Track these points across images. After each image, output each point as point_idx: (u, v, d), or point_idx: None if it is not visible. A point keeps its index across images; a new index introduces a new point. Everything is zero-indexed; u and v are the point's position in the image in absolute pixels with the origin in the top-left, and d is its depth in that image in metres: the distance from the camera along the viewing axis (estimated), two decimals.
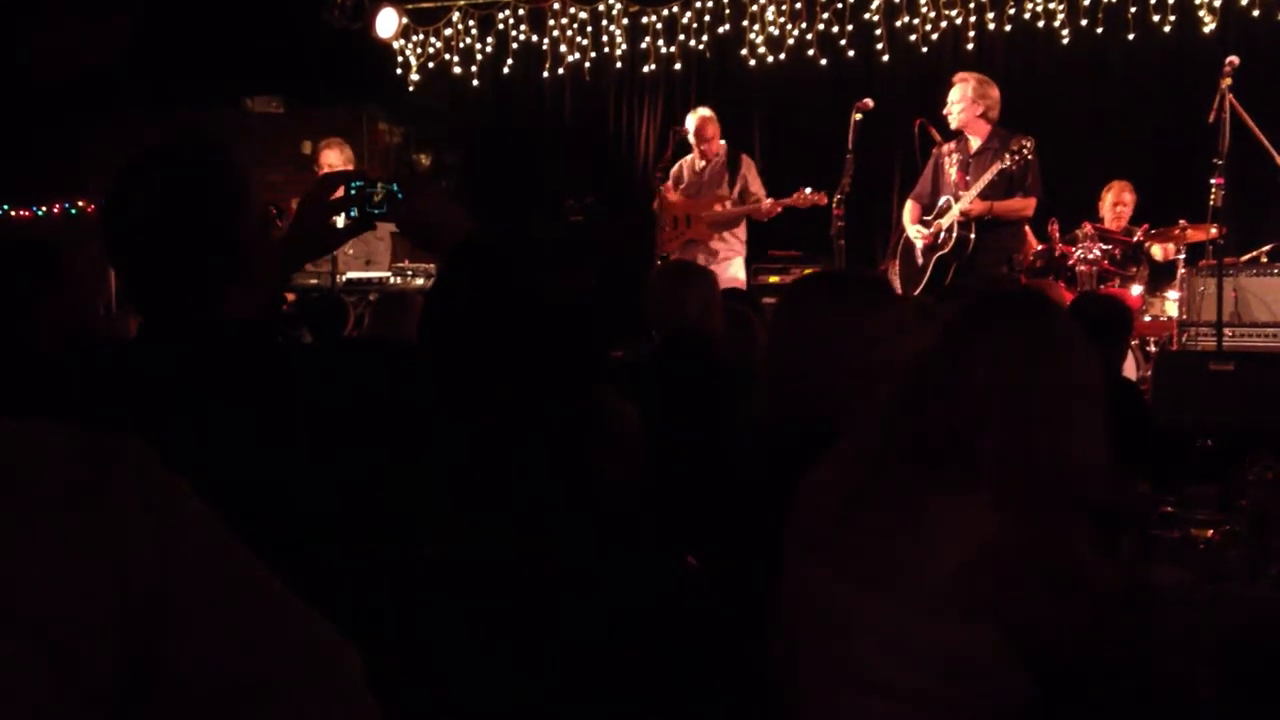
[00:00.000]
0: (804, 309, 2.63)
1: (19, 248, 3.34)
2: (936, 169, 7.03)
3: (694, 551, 2.74)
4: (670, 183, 7.97)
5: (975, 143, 6.86)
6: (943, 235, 6.79)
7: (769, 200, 7.67)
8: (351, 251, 7.83)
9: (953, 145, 6.99)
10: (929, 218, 6.97)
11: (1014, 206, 6.72)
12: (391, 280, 7.46)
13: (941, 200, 6.89)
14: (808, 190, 7.52)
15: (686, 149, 8.08)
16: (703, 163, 7.96)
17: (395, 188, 2.06)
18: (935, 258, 6.81)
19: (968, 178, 6.79)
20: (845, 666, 1.93)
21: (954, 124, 6.87)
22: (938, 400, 1.92)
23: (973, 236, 6.68)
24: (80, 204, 9.94)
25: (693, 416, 3.24)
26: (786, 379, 2.57)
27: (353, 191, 2.07)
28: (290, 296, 6.80)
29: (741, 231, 7.98)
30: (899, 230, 7.35)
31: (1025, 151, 6.52)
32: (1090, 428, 1.92)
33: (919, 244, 6.94)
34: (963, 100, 6.80)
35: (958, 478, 1.86)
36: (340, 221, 2.14)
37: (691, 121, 7.93)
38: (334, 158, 7.78)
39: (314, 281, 7.33)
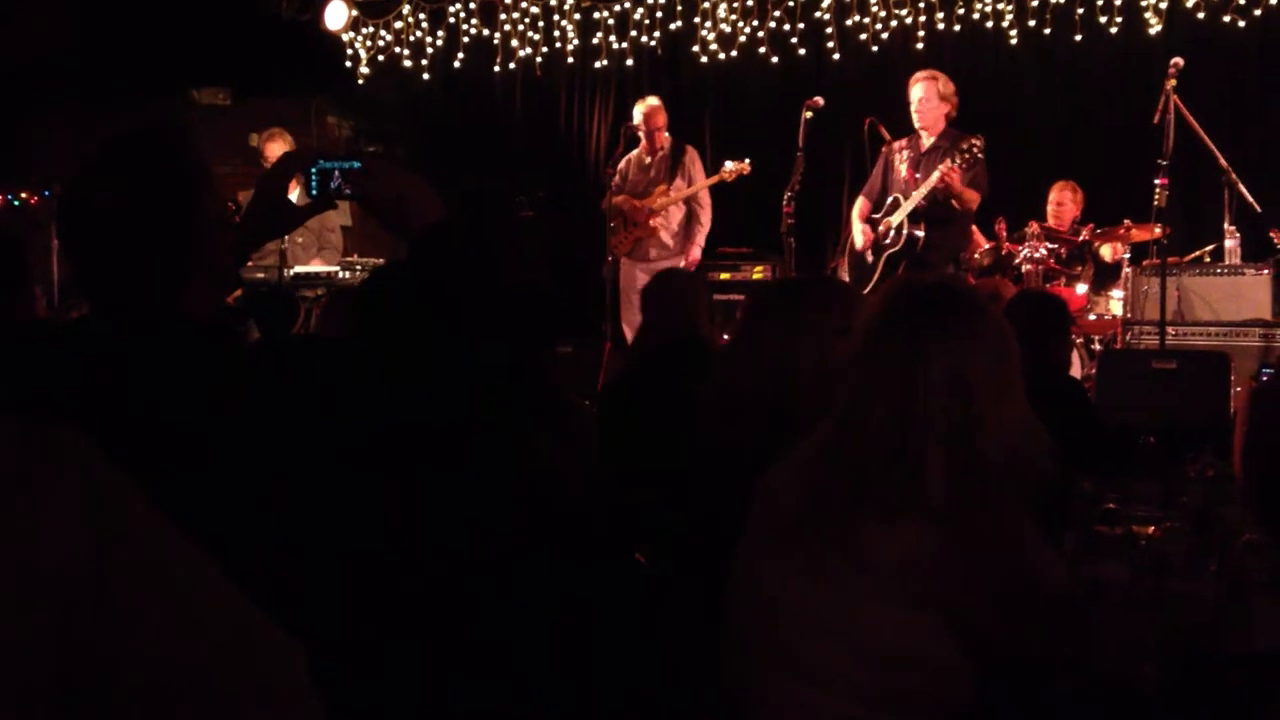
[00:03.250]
0: (767, 317, 2.67)
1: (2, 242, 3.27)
2: (887, 167, 7.06)
3: (650, 548, 2.74)
4: (615, 180, 7.96)
5: (927, 141, 6.89)
6: (892, 233, 6.82)
7: (706, 181, 7.69)
8: (301, 241, 7.76)
9: (904, 142, 7.02)
10: (878, 215, 7.00)
11: (969, 195, 6.74)
12: (341, 275, 7.40)
13: (890, 198, 6.93)
14: (728, 164, 7.57)
15: (636, 144, 8.07)
16: (649, 158, 7.96)
17: (358, 165, 2.03)
18: (885, 255, 6.85)
19: (918, 175, 6.83)
20: (794, 660, 1.95)
21: (919, 123, 6.88)
22: (881, 401, 1.94)
23: (921, 235, 6.72)
24: (23, 195, 9.80)
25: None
26: (748, 382, 2.59)
27: (314, 170, 2.04)
28: (237, 290, 6.73)
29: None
30: (849, 228, 7.38)
31: (975, 150, 6.55)
32: (1021, 409, 1.97)
33: (859, 241, 6.97)
34: (932, 98, 6.83)
35: (907, 475, 1.89)
36: (299, 200, 2.12)
37: (640, 110, 7.93)
38: (278, 150, 7.71)
39: (261, 275, 7.26)
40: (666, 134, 7.98)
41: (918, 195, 6.67)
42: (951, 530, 1.86)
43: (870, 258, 6.97)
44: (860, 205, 7.16)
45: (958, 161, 6.54)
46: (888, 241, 6.84)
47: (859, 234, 6.99)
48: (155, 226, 1.75)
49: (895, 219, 6.81)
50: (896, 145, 7.04)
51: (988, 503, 1.89)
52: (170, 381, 1.76)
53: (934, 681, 1.90)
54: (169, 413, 1.73)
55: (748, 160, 7.57)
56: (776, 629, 1.98)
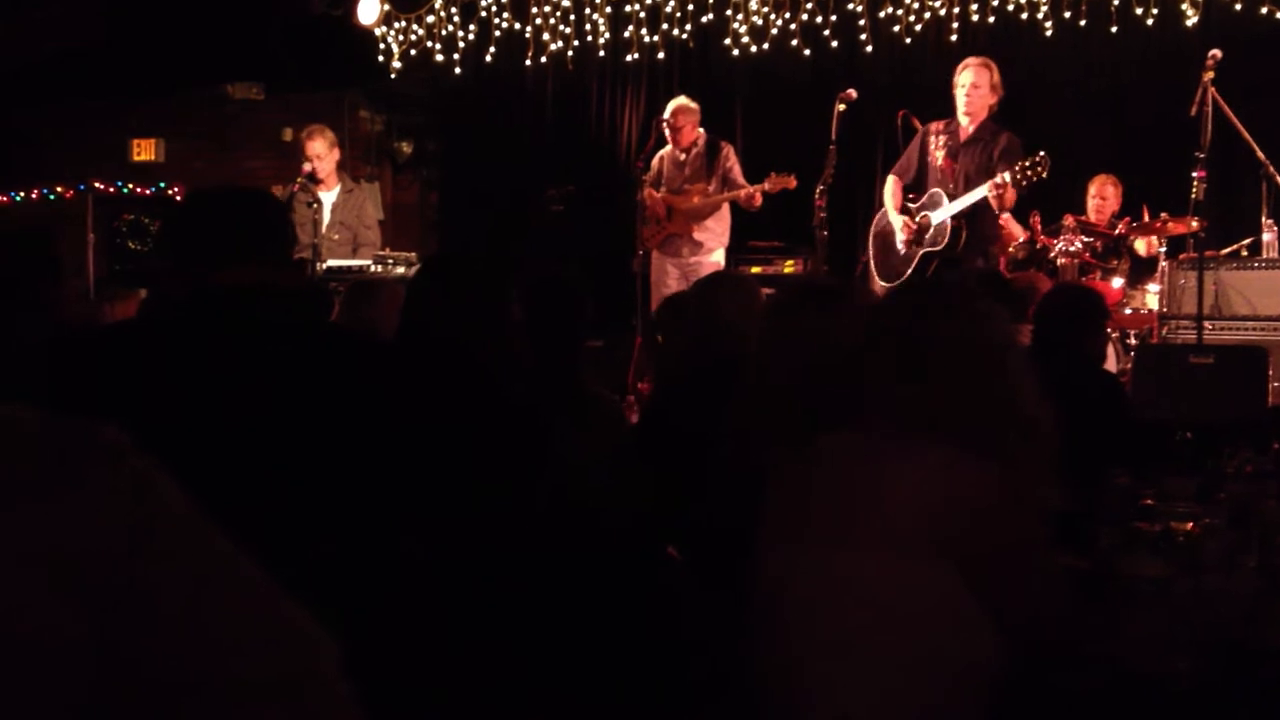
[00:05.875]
0: (790, 318, 2.71)
1: (27, 235, 3.39)
2: (923, 149, 6.97)
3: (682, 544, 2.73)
4: (650, 175, 7.94)
5: (968, 129, 6.80)
6: (932, 230, 6.74)
7: (749, 187, 7.65)
8: (337, 238, 7.79)
9: (940, 125, 6.92)
10: (914, 205, 6.92)
11: (1011, 200, 6.69)
12: (373, 269, 7.42)
13: (930, 192, 6.83)
14: (774, 175, 7.53)
15: (666, 140, 8.05)
16: (683, 155, 7.94)
17: None
18: (922, 252, 6.77)
19: (955, 165, 6.77)
20: (819, 632, 1.96)
21: (965, 108, 6.76)
22: (895, 367, 2.05)
23: (963, 230, 6.66)
24: (58, 190, 9.86)
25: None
26: (773, 384, 2.61)
27: None
28: None
29: (724, 221, 7.96)
30: (876, 212, 7.27)
31: (1040, 170, 6.36)
32: (1025, 379, 2.10)
33: (902, 234, 6.88)
34: (983, 86, 6.71)
35: (919, 434, 1.98)
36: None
37: (669, 107, 7.93)
38: (320, 147, 7.74)
39: None
40: (701, 130, 7.94)
41: (964, 201, 6.56)
42: (963, 482, 1.95)
43: (903, 251, 6.90)
44: (893, 184, 7.06)
45: (1019, 176, 6.38)
46: (927, 238, 6.76)
47: (900, 227, 6.90)
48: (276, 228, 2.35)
49: (936, 217, 6.73)
50: (934, 127, 6.93)
51: (997, 454, 1.98)
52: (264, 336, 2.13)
53: (959, 639, 1.92)
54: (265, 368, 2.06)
55: (793, 176, 7.48)
56: (798, 602, 2.01)
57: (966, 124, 6.81)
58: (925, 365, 2.03)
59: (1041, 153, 6.40)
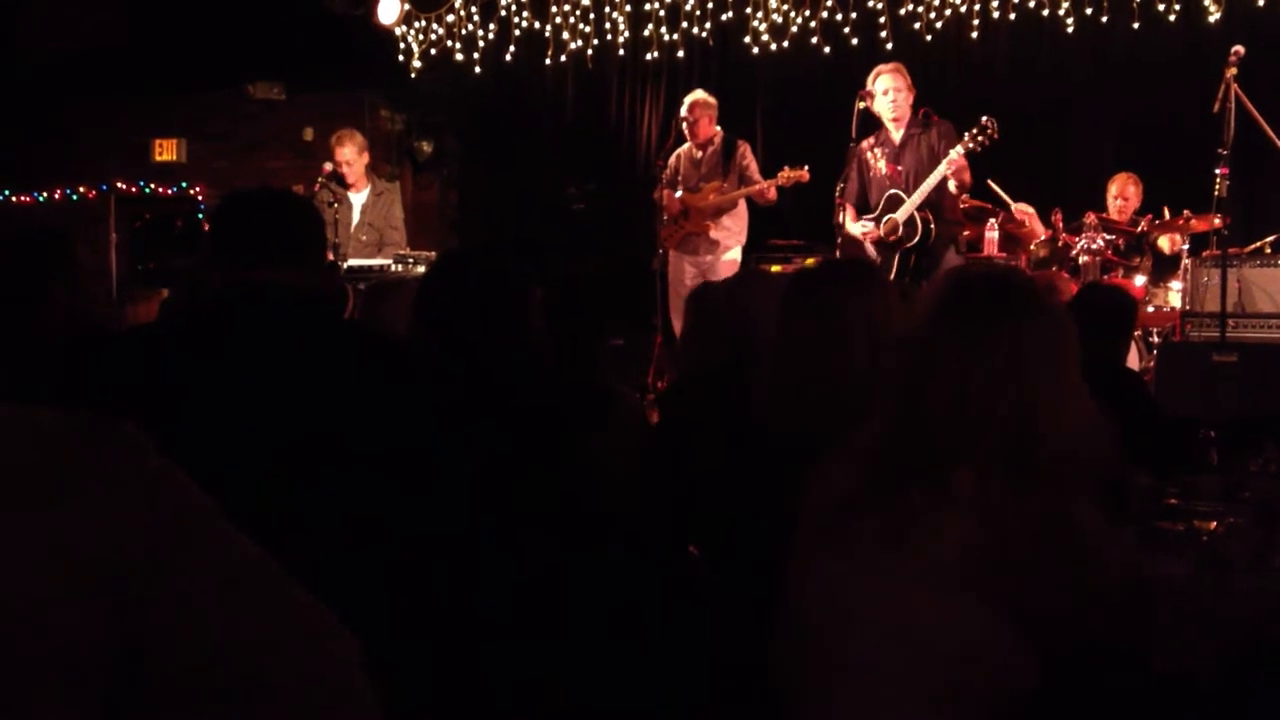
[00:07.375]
0: (813, 297, 2.65)
1: (39, 234, 3.45)
2: (861, 167, 6.94)
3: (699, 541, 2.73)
4: (667, 174, 7.93)
5: (898, 133, 6.80)
6: (902, 228, 6.70)
7: (764, 182, 7.62)
8: (365, 239, 7.81)
9: (871, 140, 6.91)
10: (873, 215, 6.88)
11: (969, 178, 6.72)
12: (394, 268, 7.43)
13: (887, 194, 6.79)
14: (787, 169, 7.50)
15: (685, 138, 8.04)
16: (699, 152, 7.91)
17: None
18: (899, 251, 6.73)
19: (900, 168, 6.75)
20: (852, 654, 1.93)
21: (893, 114, 6.76)
22: (937, 391, 1.92)
23: (932, 222, 6.63)
24: (80, 190, 9.92)
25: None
26: (795, 367, 2.58)
27: None
28: None
29: (742, 220, 7.93)
30: (840, 235, 7.17)
31: (990, 131, 6.43)
32: (1081, 395, 1.95)
33: (867, 244, 6.82)
34: (903, 89, 6.75)
35: (963, 462, 1.87)
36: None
37: (685, 104, 7.91)
38: (350, 153, 7.76)
39: None
40: (717, 128, 7.92)
41: (925, 187, 6.56)
42: (1008, 520, 1.84)
43: (876, 254, 6.83)
44: (848, 213, 7.02)
45: (971, 145, 6.43)
46: (897, 237, 6.71)
47: (862, 235, 6.83)
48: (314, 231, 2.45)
49: (902, 214, 6.70)
50: (865, 145, 6.92)
51: (1046, 490, 1.86)
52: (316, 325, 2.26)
53: (995, 675, 1.87)
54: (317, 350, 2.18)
55: (806, 168, 7.47)
56: (834, 625, 1.96)
57: (895, 129, 6.81)
58: (980, 389, 1.88)
59: (985, 117, 6.41)
